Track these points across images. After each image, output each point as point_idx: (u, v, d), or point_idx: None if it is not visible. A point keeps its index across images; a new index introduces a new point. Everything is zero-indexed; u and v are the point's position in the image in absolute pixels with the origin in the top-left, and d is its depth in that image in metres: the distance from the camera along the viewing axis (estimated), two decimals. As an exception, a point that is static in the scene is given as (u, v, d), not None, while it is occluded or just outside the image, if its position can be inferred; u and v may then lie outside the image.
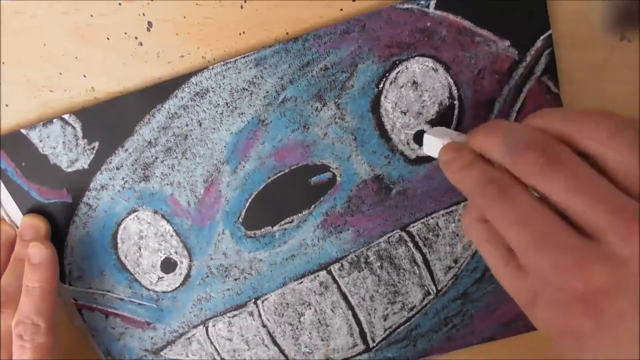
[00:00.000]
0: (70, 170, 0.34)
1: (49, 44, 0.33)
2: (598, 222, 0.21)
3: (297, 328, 0.38)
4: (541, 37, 0.31)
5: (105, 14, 0.32)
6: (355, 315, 0.38)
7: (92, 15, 0.32)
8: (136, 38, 0.32)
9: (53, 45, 0.33)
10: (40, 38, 0.33)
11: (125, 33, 0.32)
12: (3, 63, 0.33)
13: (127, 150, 0.34)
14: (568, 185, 0.22)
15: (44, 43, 0.33)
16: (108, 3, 0.32)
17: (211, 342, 0.38)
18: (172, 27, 0.32)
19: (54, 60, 0.33)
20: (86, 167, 0.34)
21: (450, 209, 0.35)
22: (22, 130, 0.34)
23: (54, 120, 0.33)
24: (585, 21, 0.32)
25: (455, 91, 0.33)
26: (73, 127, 0.33)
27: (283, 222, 0.35)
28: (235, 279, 0.37)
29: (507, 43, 0.32)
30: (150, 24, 0.32)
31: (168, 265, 0.36)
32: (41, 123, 0.33)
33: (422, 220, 0.35)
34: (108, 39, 0.33)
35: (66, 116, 0.33)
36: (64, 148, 0.34)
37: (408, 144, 0.34)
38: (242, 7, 0.32)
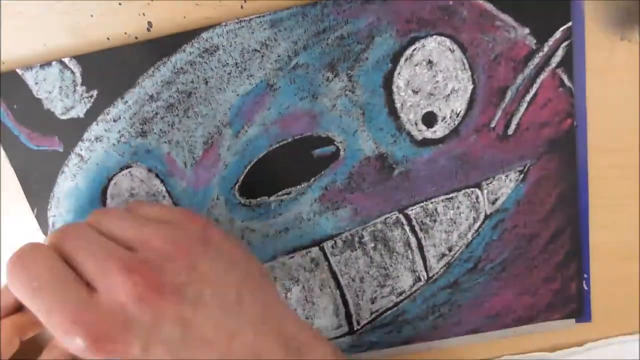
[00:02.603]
0: (64, 117, 0.33)
1: (49, 44, 0.32)
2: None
3: (283, 303, 0.37)
4: (561, 28, 0.31)
5: (105, 14, 0.32)
6: (343, 296, 0.37)
7: (92, 15, 0.32)
8: (136, 38, 0.32)
9: (53, 45, 0.32)
10: (40, 38, 0.32)
11: (125, 33, 0.32)
12: (3, 63, 0.33)
13: (126, 102, 0.33)
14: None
15: (44, 43, 0.32)
16: (108, 3, 0.31)
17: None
18: (172, 27, 0.32)
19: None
20: (82, 115, 0.33)
21: (451, 195, 0.35)
22: (18, 70, 0.32)
23: (53, 62, 0.32)
24: (585, 21, 0.32)
25: (470, 75, 0.32)
26: (72, 72, 0.32)
27: (280, 193, 0.35)
28: (225, 248, 0.36)
29: (527, 31, 0.31)
30: (150, 24, 0.32)
31: (157, 227, 0.35)
32: (39, 64, 0.32)
33: (421, 204, 0.35)
34: (108, 39, 0.32)
35: (66, 59, 0.32)
36: (60, 93, 0.32)
37: (416, 124, 0.33)
38: (242, 7, 0.31)
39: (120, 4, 0.32)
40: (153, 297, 0.25)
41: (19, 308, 0.37)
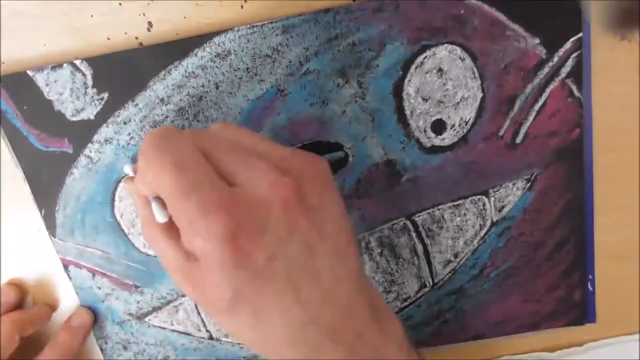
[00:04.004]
0: (74, 119, 0.33)
1: (49, 44, 0.32)
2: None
3: (288, 307, 0.37)
4: (571, 39, 0.31)
5: (105, 14, 0.32)
6: (348, 300, 0.37)
7: (92, 15, 0.32)
8: (136, 38, 0.32)
9: (53, 45, 0.32)
10: (40, 38, 0.32)
11: (126, 33, 0.32)
12: (3, 63, 0.33)
13: (137, 105, 0.33)
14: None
15: (44, 43, 0.33)
16: (108, 3, 0.32)
17: (198, 313, 0.37)
18: (172, 27, 0.32)
19: (53, 61, 0.32)
20: (92, 117, 0.33)
21: (458, 202, 0.35)
22: (29, 72, 0.32)
23: (64, 64, 0.32)
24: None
25: (479, 83, 0.32)
26: (84, 74, 0.32)
27: (288, 198, 0.35)
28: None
29: (537, 41, 0.31)
30: (150, 24, 0.32)
31: (164, 230, 0.35)
32: (49, 66, 0.32)
33: (428, 211, 0.35)
34: (108, 39, 0.32)
35: (77, 62, 0.32)
36: (70, 95, 0.32)
37: (425, 131, 0.33)
38: (242, 7, 0.32)
39: (120, 4, 0.32)
40: (296, 207, 0.23)
41: (17, 306, 0.37)
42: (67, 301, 0.38)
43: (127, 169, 0.28)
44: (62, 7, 0.32)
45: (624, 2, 0.29)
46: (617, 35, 0.32)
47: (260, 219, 0.23)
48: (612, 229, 0.36)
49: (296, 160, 0.25)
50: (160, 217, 0.25)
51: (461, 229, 0.36)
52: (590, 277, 0.37)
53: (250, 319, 0.24)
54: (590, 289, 0.37)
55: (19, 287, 0.37)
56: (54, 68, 0.32)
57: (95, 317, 0.37)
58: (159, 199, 0.25)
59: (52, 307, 0.38)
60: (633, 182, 0.36)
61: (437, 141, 0.33)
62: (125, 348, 0.38)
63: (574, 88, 0.32)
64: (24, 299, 0.38)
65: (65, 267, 0.36)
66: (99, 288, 0.37)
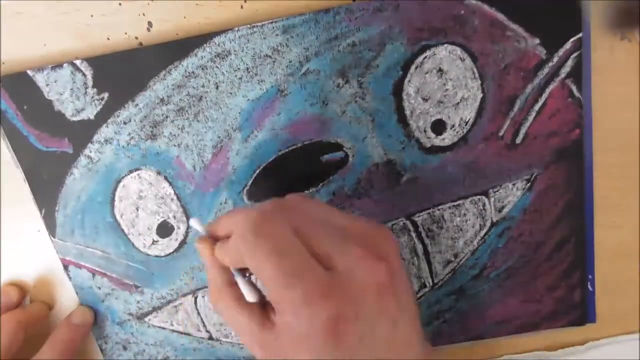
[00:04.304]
0: (74, 119, 0.33)
1: (49, 44, 0.32)
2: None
3: (288, 307, 0.37)
4: (571, 39, 0.31)
5: (105, 14, 0.32)
6: (348, 300, 0.37)
7: (92, 15, 0.32)
8: (136, 38, 0.32)
9: (53, 45, 0.32)
10: (40, 38, 0.32)
11: (126, 33, 0.32)
12: (3, 63, 0.33)
13: (137, 105, 0.33)
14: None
15: (44, 43, 0.33)
16: (108, 3, 0.32)
17: (198, 313, 0.37)
18: (172, 27, 0.32)
19: (53, 61, 0.32)
20: (92, 117, 0.33)
21: (458, 202, 0.35)
22: (29, 72, 0.32)
23: (64, 64, 0.32)
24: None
25: (479, 83, 0.32)
26: (84, 75, 0.32)
27: (288, 198, 0.35)
28: (232, 251, 0.36)
29: (537, 41, 0.31)
30: (150, 24, 0.32)
31: (164, 230, 0.35)
32: (50, 66, 0.32)
33: (428, 211, 0.35)
34: (108, 39, 0.32)
35: (77, 62, 0.32)
36: (71, 95, 0.32)
37: (425, 131, 0.33)
38: (242, 7, 0.32)
39: (120, 4, 0.32)
40: (388, 291, 0.25)
41: (17, 306, 0.37)
42: (67, 301, 0.38)
43: (195, 224, 0.28)
44: (62, 7, 0.32)
45: (624, 2, 0.29)
46: (617, 35, 0.32)
47: (357, 305, 0.24)
48: (612, 228, 0.36)
49: (377, 235, 0.26)
50: (251, 297, 0.27)
51: (461, 229, 0.36)
52: (590, 277, 0.37)
53: None
54: (590, 289, 0.37)
55: (20, 288, 0.37)
56: (54, 68, 0.32)
57: (95, 316, 0.37)
58: (244, 273, 0.27)
59: (49, 305, 0.38)
60: (633, 182, 0.36)
61: (437, 141, 0.33)
62: (125, 348, 0.38)
63: (574, 88, 0.32)
64: (24, 299, 0.38)
65: (65, 267, 0.36)
66: (99, 288, 0.37)
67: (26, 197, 0.35)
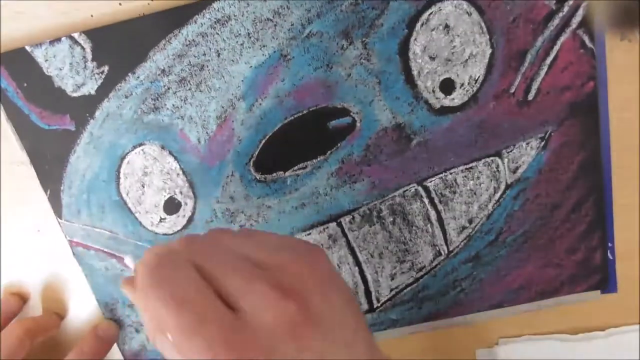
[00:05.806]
0: (75, 95, 0.32)
1: None
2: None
3: (301, 281, 0.36)
4: (581, -13, 0.30)
5: (105, 14, 0.31)
6: (361, 272, 0.36)
7: (92, 16, 0.32)
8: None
9: None
10: (40, 38, 0.32)
11: None
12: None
13: (138, 77, 0.32)
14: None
15: None
16: (108, 3, 0.31)
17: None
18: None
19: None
20: (93, 92, 0.32)
21: (470, 165, 0.34)
22: (27, 48, 0.32)
23: (62, 38, 0.31)
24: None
25: (488, 39, 0.31)
26: (82, 48, 0.31)
27: (296, 168, 0.34)
28: (241, 225, 0.35)
29: (546, -9, 0.30)
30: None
31: (172, 206, 0.35)
32: (48, 41, 0.31)
33: (440, 175, 0.34)
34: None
35: (76, 35, 0.31)
36: (70, 70, 0.32)
37: (433, 91, 0.32)
38: None
39: (120, 4, 0.31)
40: (303, 327, 0.23)
41: (17, 314, 0.37)
42: (67, 301, 0.38)
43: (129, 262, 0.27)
44: (62, 6, 0.31)
45: (624, 2, 0.28)
46: (617, 35, 0.31)
47: (268, 348, 0.22)
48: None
49: (295, 267, 0.24)
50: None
51: (475, 193, 0.35)
52: (610, 245, 0.36)
53: None
54: (611, 257, 0.36)
55: (19, 296, 0.38)
56: (52, 42, 0.31)
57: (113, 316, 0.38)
58: None
59: (61, 315, 0.38)
60: (633, 182, 0.35)
61: (447, 102, 0.33)
62: (137, 331, 0.38)
63: (586, 39, 0.31)
64: (24, 306, 0.38)
65: (74, 249, 0.36)
66: (108, 269, 0.36)
67: (26, 197, 0.35)
